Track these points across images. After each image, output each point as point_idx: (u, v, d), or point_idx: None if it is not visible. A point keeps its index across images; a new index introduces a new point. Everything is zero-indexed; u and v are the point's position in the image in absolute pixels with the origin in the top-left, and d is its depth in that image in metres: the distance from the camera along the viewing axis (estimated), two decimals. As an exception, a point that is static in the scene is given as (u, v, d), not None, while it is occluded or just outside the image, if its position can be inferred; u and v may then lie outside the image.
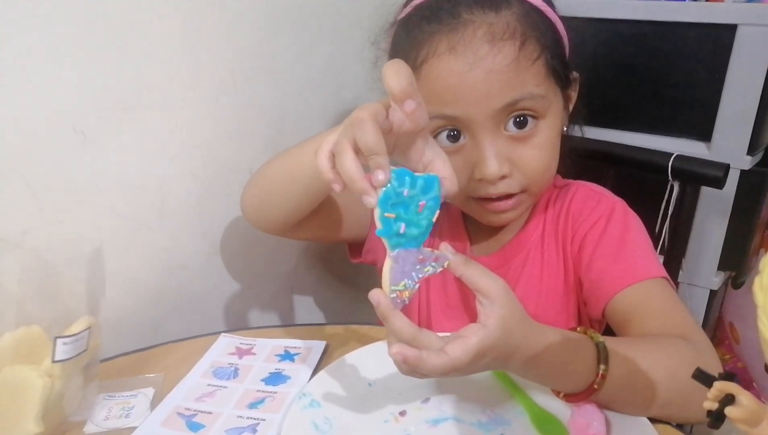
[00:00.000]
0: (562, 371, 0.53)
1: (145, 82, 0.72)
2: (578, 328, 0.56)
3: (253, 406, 0.62)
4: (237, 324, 0.93)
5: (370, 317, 0.69)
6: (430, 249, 0.50)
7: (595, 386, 0.53)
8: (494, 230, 0.79)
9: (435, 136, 0.67)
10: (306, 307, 1.05)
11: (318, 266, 1.06)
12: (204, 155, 0.82)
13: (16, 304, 0.58)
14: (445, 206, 0.81)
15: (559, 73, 0.67)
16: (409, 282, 0.48)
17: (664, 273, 0.68)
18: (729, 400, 0.43)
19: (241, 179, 0.87)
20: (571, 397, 0.55)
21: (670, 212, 1.04)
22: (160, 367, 0.68)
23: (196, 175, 0.81)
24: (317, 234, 0.82)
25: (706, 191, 1.10)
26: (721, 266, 1.27)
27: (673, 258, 1.05)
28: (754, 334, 0.37)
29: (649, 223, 1.05)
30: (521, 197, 0.70)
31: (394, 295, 0.48)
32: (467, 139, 0.66)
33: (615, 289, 0.67)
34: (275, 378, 0.66)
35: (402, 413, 0.61)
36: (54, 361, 0.54)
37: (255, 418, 0.60)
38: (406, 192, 0.47)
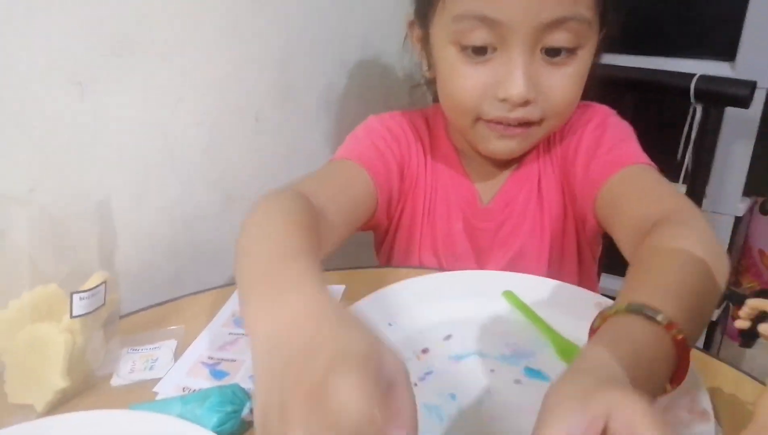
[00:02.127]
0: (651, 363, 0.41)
1: (142, 24, 0.69)
2: (594, 322, 0.46)
3: (275, 351, 0.62)
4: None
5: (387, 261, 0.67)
6: None
7: (680, 337, 0.41)
8: (494, 169, 0.77)
9: (461, 45, 0.63)
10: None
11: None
12: (208, 100, 0.80)
13: (30, 263, 0.57)
14: (439, 150, 0.79)
15: (606, 7, 0.64)
16: None
17: (648, 160, 0.67)
18: (762, 317, 0.41)
19: (247, 125, 0.86)
20: (676, 377, 0.43)
21: (692, 138, 1.01)
22: (180, 319, 0.68)
23: (201, 122, 0.79)
24: (340, 240, 0.71)
25: (730, 114, 1.06)
26: (747, 192, 1.24)
27: (697, 186, 1.02)
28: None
29: (671, 150, 1.02)
30: (534, 130, 0.68)
31: None
32: (497, 52, 0.62)
33: (600, 183, 0.66)
34: (296, 324, 0.66)
35: (424, 351, 0.60)
36: (72, 317, 0.54)
37: (278, 364, 0.60)
38: None
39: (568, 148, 0.73)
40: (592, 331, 0.46)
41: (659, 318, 0.41)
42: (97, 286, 0.55)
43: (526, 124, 0.66)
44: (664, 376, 0.42)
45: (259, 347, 0.38)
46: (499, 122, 0.66)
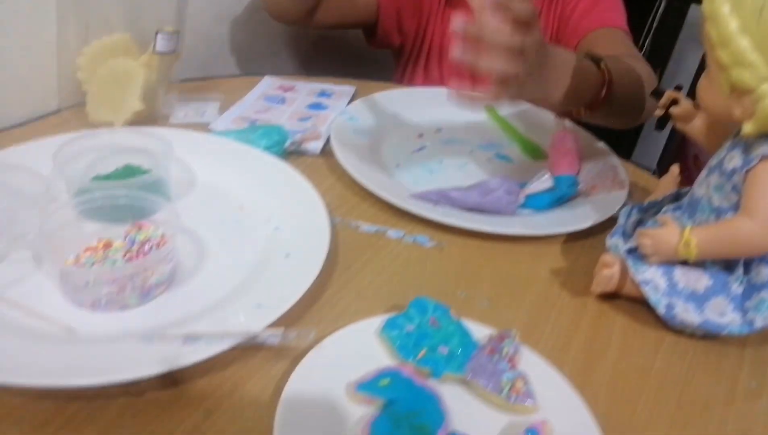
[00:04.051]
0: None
1: None
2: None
3: (303, 119, 0.77)
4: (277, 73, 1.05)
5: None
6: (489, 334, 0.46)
7: (608, 77, 0.64)
8: None
9: None
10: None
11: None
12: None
13: (106, 18, 0.69)
14: None
15: None
16: (508, 375, 0.43)
17: (628, 29, 0.86)
18: (674, 102, 0.59)
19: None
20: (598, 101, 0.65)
21: (654, 27, 1.17)
22: (219, 91, 0.82)
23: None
24: (330, 20, 0.90)
25: (691, 21, 1.21)
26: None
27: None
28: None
29: (636, 38, 1.18)
30: None
31: (504, 393, 0.42)
32: None
33: (585, 32, 0.85)
34: (317, 106, 0.81)
35: (420, 135, 0.77)
36: (154, 52, 0.67)
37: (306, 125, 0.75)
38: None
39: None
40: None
41: (602, 64, 0.64)
42: (174, 32, 0.68)
43: None
44: (593, 89, 0.64)
45: None
46: None
